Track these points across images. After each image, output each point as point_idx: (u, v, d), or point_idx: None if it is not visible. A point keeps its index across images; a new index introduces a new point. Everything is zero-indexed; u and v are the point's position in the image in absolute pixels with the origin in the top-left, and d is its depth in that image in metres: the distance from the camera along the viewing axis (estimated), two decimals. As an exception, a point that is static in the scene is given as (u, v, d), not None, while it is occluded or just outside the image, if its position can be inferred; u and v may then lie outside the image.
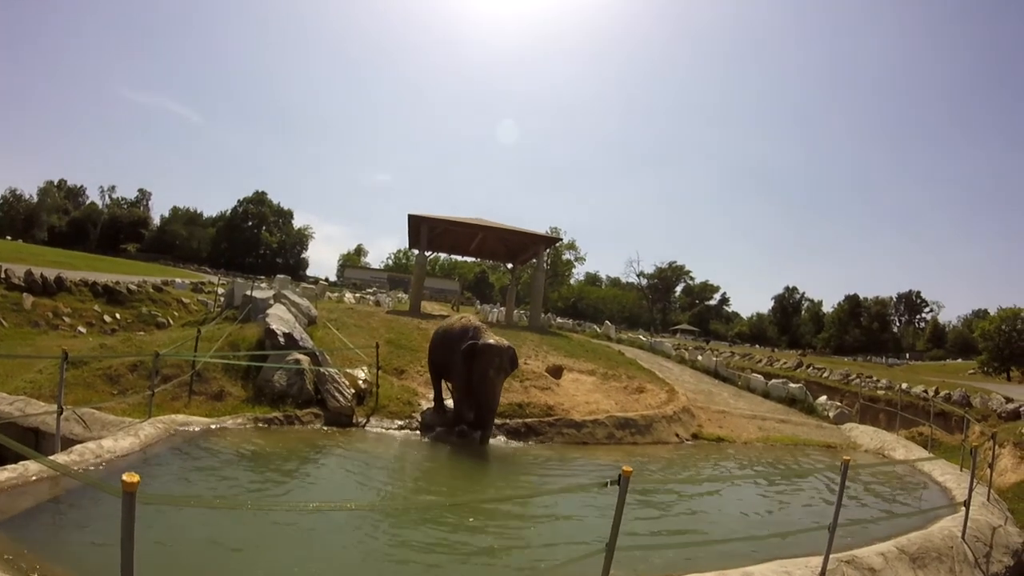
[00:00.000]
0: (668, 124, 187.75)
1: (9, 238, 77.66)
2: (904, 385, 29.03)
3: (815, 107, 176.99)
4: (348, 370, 12.72)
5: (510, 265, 36.86)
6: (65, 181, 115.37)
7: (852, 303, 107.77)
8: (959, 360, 68.94)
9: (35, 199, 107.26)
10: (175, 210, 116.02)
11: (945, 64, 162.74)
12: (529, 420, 12.39)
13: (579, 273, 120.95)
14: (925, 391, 27.74)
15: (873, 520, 8.10)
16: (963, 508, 7.58)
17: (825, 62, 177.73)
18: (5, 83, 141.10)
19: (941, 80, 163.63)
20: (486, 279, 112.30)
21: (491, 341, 11.44)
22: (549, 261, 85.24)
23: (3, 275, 22.93)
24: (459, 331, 12.02)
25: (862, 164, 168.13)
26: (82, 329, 22.14)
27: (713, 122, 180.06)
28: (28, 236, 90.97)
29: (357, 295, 47.04)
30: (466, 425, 11.40)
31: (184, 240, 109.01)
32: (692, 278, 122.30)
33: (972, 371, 47.76)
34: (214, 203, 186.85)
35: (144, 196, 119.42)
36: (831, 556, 5.62)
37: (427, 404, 12.68)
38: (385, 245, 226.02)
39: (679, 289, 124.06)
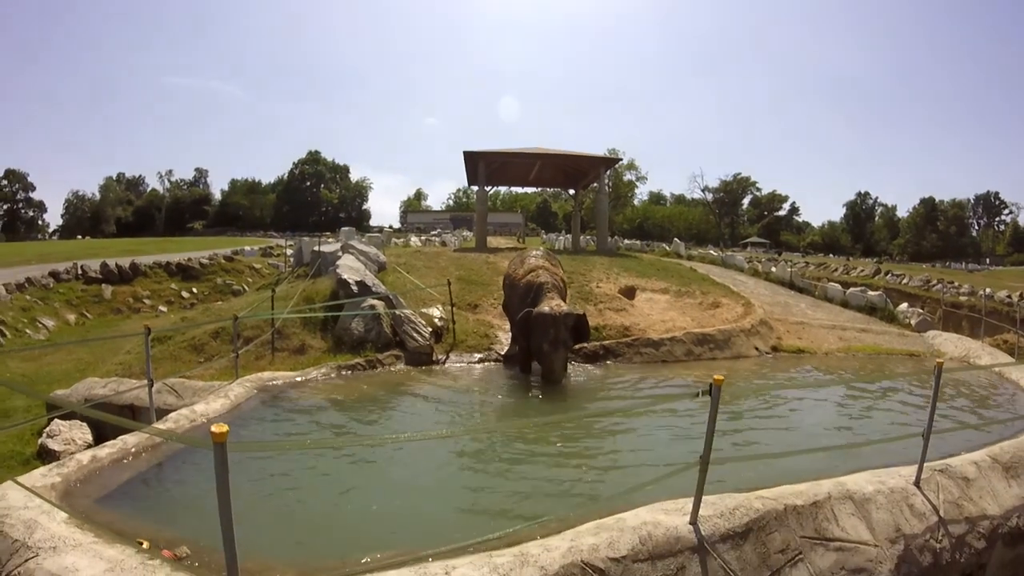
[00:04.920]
0: (723, 28, 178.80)
1: (79, 237, 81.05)
2: (987, 290, 27.51)
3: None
4: (423, 310, 12.82)
5: (572, 191, 36.41)
6: (124, 174, 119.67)
7: (928, 207, 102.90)
8: (1042, 264, 65.29)
9: (98, 196, 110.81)
10: (234, 182, 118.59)
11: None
12: (606, 342, 12.30)
13: (642, 193, 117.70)
14: (1009, 296, 26.53)
15: (963, 427, 7.73)
16: (1054, 416, 7.16)
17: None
18: (56, 92, 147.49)
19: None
20: (548, 208, 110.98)
21: (545, 309, 9.94)
22: (611, 183, 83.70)
23: (80, 271, 24.08)
24: (523, 289, 10.83)
25: (931, 59, 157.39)
26: (163, 308, 23.16)
27: (770, 24, 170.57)
28: (97, 232, 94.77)
29: (423, 238, 47.48)
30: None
31: (247, 209, 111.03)
32: (759, 189, 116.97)
33: (1056, 275, 45.23)
34: (271, 170, 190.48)
35: (202, 175, 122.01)
36: (924, 465, 5.40)
37: (503, 335, 12.67)
38: (444, 187, 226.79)
39: (746, 201, 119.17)
